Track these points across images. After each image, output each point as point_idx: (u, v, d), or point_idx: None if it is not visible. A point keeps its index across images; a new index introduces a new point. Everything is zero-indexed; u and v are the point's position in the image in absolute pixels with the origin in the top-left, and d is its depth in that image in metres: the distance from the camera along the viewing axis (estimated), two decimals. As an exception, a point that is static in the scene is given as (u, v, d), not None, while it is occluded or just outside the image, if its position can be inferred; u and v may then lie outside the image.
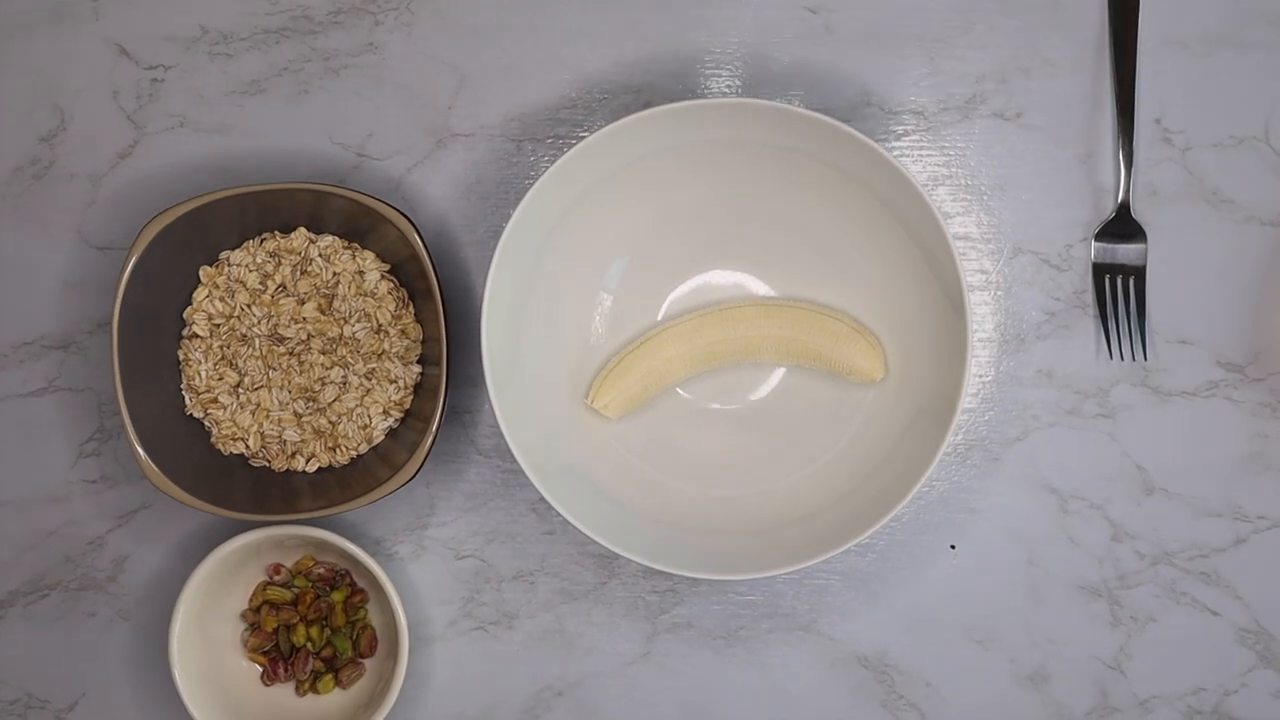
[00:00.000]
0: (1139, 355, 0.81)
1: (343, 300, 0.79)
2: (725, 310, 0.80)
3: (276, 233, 0.80)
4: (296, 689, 0.82)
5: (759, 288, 0.81)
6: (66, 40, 0.83)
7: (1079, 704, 0.81)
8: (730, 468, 0.81)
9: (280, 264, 0.80)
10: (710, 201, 0.80)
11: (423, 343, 0.80)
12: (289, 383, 0.80)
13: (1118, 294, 0.81)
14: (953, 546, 0.82)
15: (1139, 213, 0.81)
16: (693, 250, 0.81)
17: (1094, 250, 0.81)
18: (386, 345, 0.80)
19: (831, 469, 0.80)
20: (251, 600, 0.82)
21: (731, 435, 0.81)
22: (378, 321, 0.80)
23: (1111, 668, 0.81)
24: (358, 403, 0.79)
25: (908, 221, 0.76)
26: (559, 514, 0.75)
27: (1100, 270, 0.81)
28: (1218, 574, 0.81)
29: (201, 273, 0.80)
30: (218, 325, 0.80)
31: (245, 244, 0.80)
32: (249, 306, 0.79)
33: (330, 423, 0.80)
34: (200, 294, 0.80)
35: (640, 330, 0.81)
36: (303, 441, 0.80)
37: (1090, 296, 0.81)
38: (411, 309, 0.80)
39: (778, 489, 0.80)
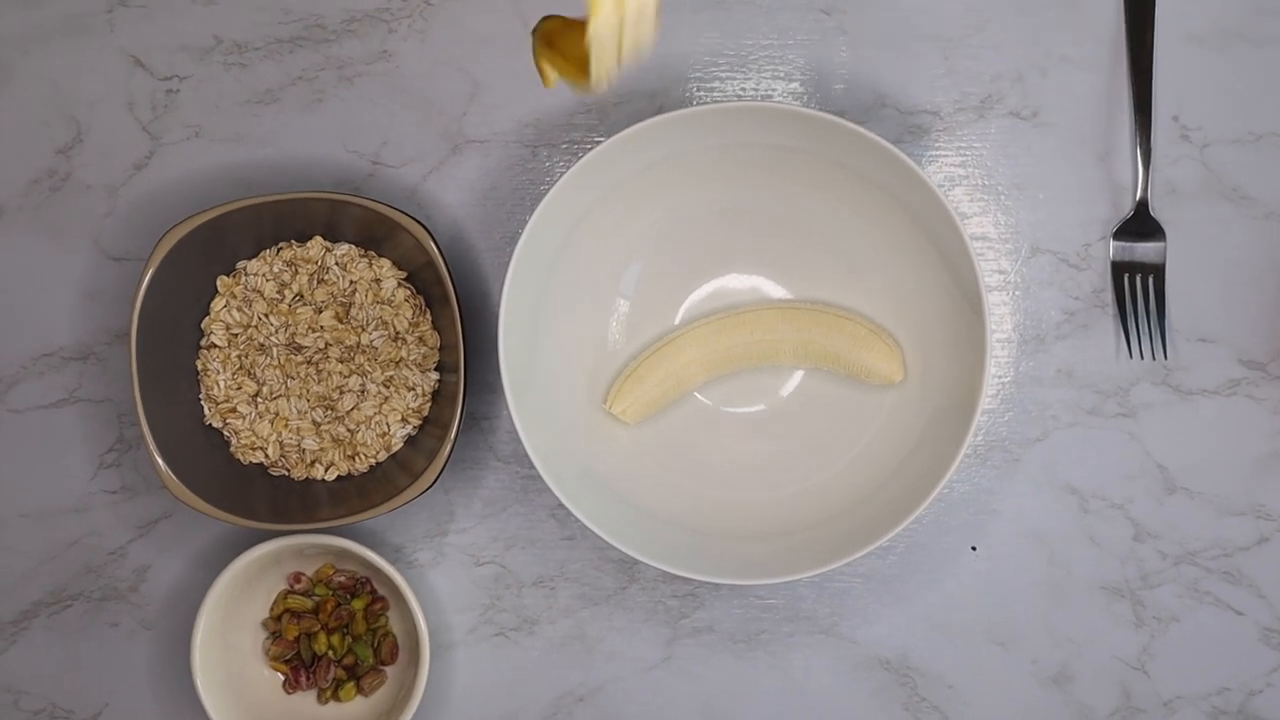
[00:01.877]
0: (1159, 354, 0.80)
1: (360, 308, 0.80)
2: (743, 314, 0.80)
3: (293, 242, 0.80)
4: (318, 697, 0.82)
5: (775, 291, 0.81)
6: (81, 52, 0.83)
7: (1102, 705, 0.81)
8: (749, 471, 0.81)
9: (297, 273, 0.80)
10: (725, 205, 0.80)
11: (440, 350, 0.80)
12: (307, 391, 0.80)
13: (1137, 293, 0.80)
14: (974, 548, 0.81)
15: (1157, 210, 0.81)
16: (708, 254, 0.81)
17: (1112, 249, 0.81)
18: (404, 353, 0.80)
19: (851, 472, 0.79)
20: (272, 609, 0.82)
21: (751, 439, 0.81)
22: (395, 329, 0.80)
23: (1135, 668, 0.81)
24: (376, 411, 0.80)
25: (924, 223, 0.76)
26: (578, 520, 0.75)
27: (1119, 269, 0.80)
28: (1241, 573, 0.81)
29: (219, 283, 0.80)
30: (235, 335, 0.80)
31: (262, 253, 0.80)
32: (266, 316, 0.80)
33: (349, 431, 0.80)
34: (218, 304, 0.80)
35: (657, 335, 0.81)
36: (321, 450, 0.80)
37: (1109, 295, 0.81)
38: (428, 316, 0.80)
39: (798, 492, 0.80)
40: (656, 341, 0.80)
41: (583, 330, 0.81)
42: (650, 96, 0.82)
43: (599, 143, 0.76)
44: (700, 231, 0.81)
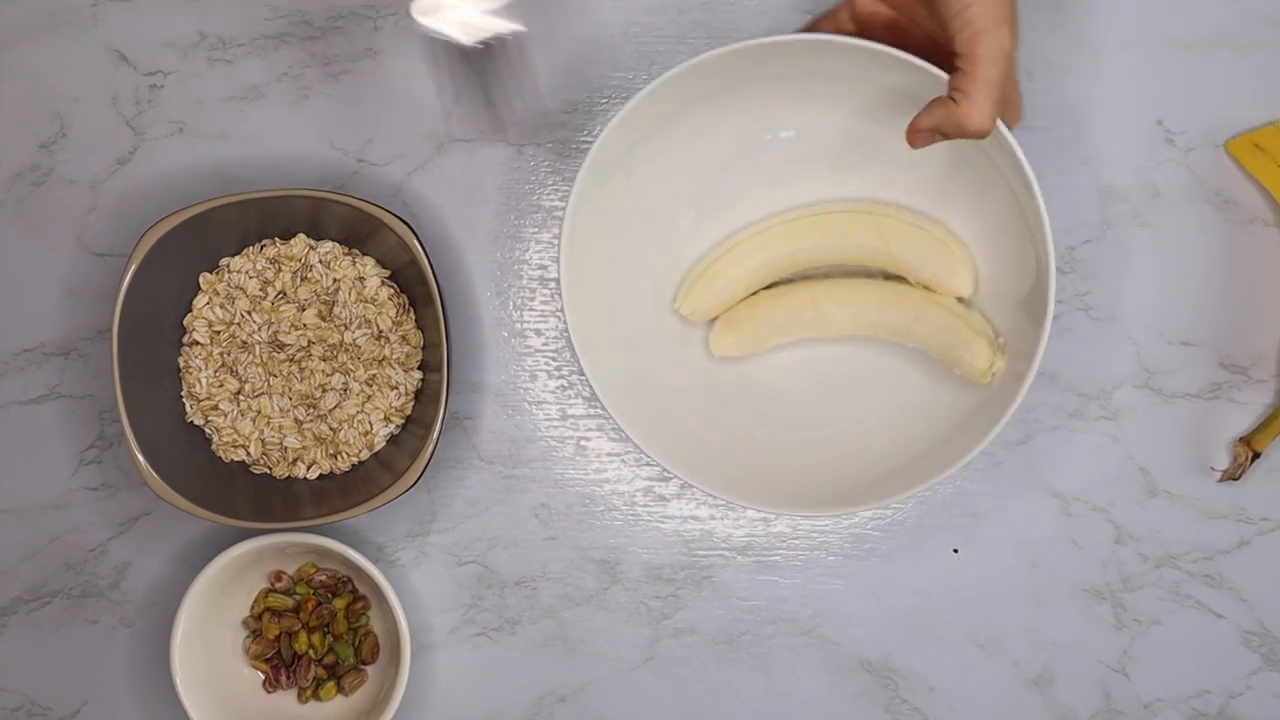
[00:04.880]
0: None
1: (343, 306, 0.79)
2: (816, 215, 0.78)
3: (276, 239, 0.80)
4: (299, 696, 0.81)
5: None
6: (65, 47, 0.83)
7: (1083, 707, 0.81)
8: (804, 406, 0.80)
9: (280, 270, 0.79)
10: (809, 133, 0.79)
11: (423, 348, 0.80)
12: (290, 389, 0.79)
13: None
14: (956, 550, 0.82)
15: (1144, 214, 0.80)
16: (784, 176, 0.79)
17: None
18: (387, 351, 0.79)
19: (908, 410, 0.78)
20: (253, 607, 0.82)
21: (813, 370, 0.80)
22: (378, 328, 0.79)
23: (1116, 671, 0.81)
24: (359, 409, 0.79)
25: (1004, 172, 0.74)
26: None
27: None
28: (1222, 576, 0.81)
29: (202, 279, 0.79)
30: (218, 332, 0.79)
31: (245, 250, 0.80)
32: (249, 313, 0.79)
33: (331, 429, 0.79)
34: (200, 301, 0.79)
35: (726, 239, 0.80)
36: (304, 448, 0.80)
37: (1093, 299, 0.81)
38: (412, 315, 0.80)
39: (850, 433, 0.79)
40: (726, 241, 0.79)
41: (649, 241, 0.79)
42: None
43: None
44: (776, 158, 0.79)
